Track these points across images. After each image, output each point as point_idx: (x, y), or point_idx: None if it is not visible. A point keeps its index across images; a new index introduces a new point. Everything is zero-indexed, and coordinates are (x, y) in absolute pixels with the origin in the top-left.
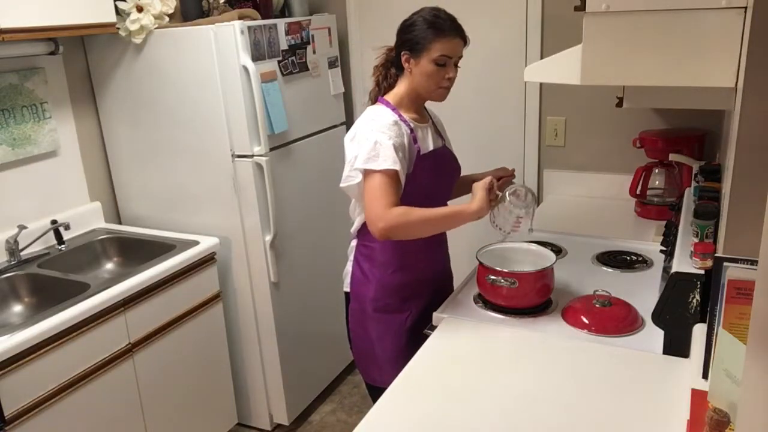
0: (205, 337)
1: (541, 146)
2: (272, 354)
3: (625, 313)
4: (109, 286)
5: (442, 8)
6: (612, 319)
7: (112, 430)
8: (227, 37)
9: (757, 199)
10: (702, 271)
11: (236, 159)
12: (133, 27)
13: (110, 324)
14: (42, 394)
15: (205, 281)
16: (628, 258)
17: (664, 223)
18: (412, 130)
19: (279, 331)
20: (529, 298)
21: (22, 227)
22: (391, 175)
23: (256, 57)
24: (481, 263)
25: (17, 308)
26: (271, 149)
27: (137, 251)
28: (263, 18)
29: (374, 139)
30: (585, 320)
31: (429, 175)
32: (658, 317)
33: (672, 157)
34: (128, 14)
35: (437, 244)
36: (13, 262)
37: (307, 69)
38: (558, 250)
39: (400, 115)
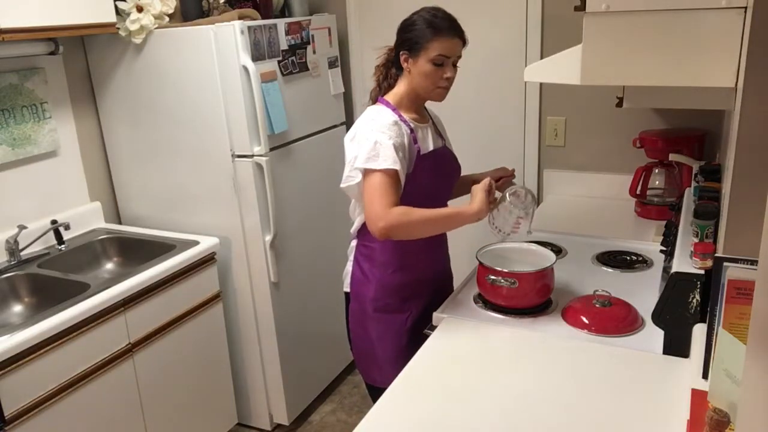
0: (205, 337)
1: (541, 146)
2: (272, 354)
3: (625, 313)
4: (109, 286)
5: (442, 8)
6: (612, 319)
7: (112, 430)
8: (227, 37)
9: (757, 199)
10: (702, 271)
11: (236, 159)
12: (133, 27)
13: (110, 324)
14: (42, 394)
15: (205, 281)
16: (628, 258)
17: (664, 223)
18: (412, 130)
19: (279, 331)
20: (529, 298)
21: (22, 227)
22: (391, 174)
23: (256, 57)
24: (481, 263)
25: (17, 308)
26: (271, 149)
27: (137, 251)
28: (263, 18)
29: (374, 139)
30: (585, 320)
31: (429, 175)
32: (658, 317)
33: (672, 157)
34: (128, 14)
35: (437, 245)
36: (13, 262)
37: (307, 69)
38: (558, 250)
39: (400, 115)
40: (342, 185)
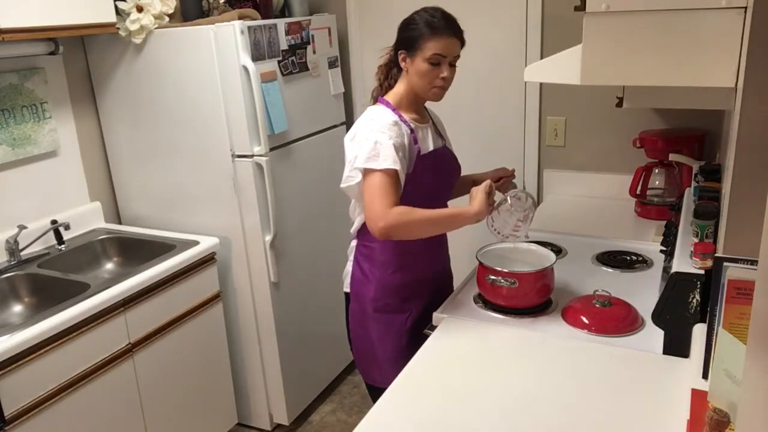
0: (205, 337)
1: (541, 146)
2: (272, 354)
3: (625, 313)
4: (109, 286)
5: (442, 8)
6: (612, 319)
7: (112, 430)
8: (227, 37)
9: (757, 199)
10: (702, 271)
11: (236, 159)
12: (133, 27)
13: (110, 324)
14: (42, 394)
15: (205, 281)
16: (628, 258)
17: (664, 223)
18: (412, 131)
19: (279, 331)
20: (529, 298)
21: (22, 227)
22: (392, 174)
23: (256, 57)
24: (481, 263)
25: (17, 308)
26: (271, 149)
27: (137, 251)
28: (263, 18)
29: (374, 139)
30: (585, 320)
31: (429, 175)
32: (658, 317)
33: (672, 157)
34: (128, 14)
35: (437, 245)
36: (13, 262)
37: (307, 69)
38: (558, 250)
39: (400, 116)
40: (342, 185)
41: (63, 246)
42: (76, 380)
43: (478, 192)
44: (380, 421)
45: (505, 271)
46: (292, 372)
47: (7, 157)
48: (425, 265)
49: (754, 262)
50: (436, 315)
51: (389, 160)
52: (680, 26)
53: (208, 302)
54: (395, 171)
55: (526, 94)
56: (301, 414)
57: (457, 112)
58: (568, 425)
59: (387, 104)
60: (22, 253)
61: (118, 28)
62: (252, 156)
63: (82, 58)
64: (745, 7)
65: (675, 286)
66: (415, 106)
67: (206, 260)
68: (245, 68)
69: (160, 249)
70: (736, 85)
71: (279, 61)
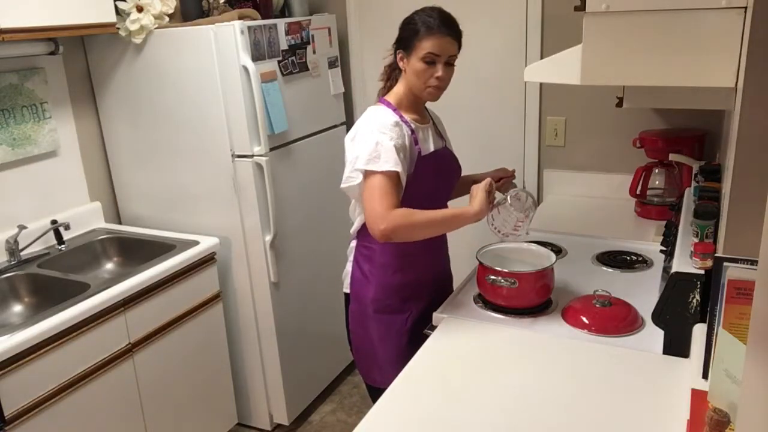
0: (205, 337)
1: (541, 146)
2: (272, 354)
3: (625, 313)
4: (109, 286)
5: (441, 8)
6: (612, 319)
7: (112, 430)
8: (227, 37)
9: (757, 199)
10: (702, 271)
11: (236, 159)
12: (133, 27)
13: (110, 324)
14: (42, 394)
15: (205, 281)
16: (628, 258)
17: (664, 223)
18: (413, 131)
19: (279, 331)
20: (529, 298)
21: (22, 227)
22: (392, 176)
23: (256, 57)
24: (481, 263)
25: (17, 308)
26: (271, 149)
27: (137, 251)
28: (263, 18)
29: (375, 140)
30: (585, 320)
31: (430, 176)
32: (658, 317)
33: (672, 157)
34: (128, 14)
35: (437, 246)
36: (13, 262)
37: (307, 69)
38: (558, 250)
39: (401, 116)
40: (342, 186)
41: (63, 246)
42: (76, 380)
43: (478, 191)
44: (380, 421)
45: (505, 271)
46: (292, 372)
47: (7, 157)
48: (425, 266)
49: (754, 262)
50: (436, 315)
51: (390, 161)
52: (680, 26)
53: (208, 302)
54: (396, 173)
55: (526, 94)
56: (301, 414)
57: (457, 113)
58: (568, 425)
59: (388, 104)
60: (22, 253)
61: (118, 28)
62: (252, 156)
63: (82, 58)
64: (745, 7)
65: (675, 286)
66: (416, 106)
67: (206, 260)
68: (245, 68)
69: (160, 249)
70: (736, 85)
71: (279, 61)
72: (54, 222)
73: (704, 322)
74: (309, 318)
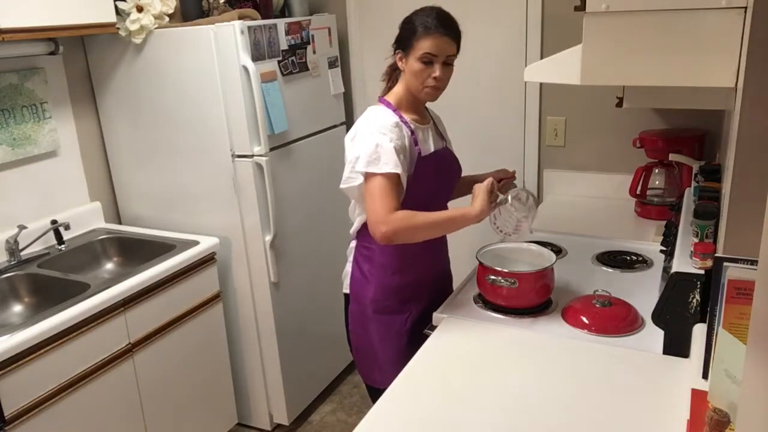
0: (205, 337)
1: (541, 146)
2: (272, 354)
3: (625, 313)
4: (109, 286)
5: (440, 8)
6: (612, 319)
7: (112, 430)
8: (227, 37)
9: (757, 199)
10: (702, 271)
11: (236, 159)
12: (133, 27)
13: (110, 324)
14: (42, 394)
15: (205, 281)
16: (628, 258)
17: (664, 223)
18: (412, 132)
19: (279, 331)
20: (529, 298)
21: (22, 227)
22: (393, 178)
23: (256, 57)
24: (481, 263)
25: (17, 308)
26: (271, 149)
27: (137, 251)
28: (263, 18)
29: (375, 142)
30: (585, 320)
31: (430, 176)
32: (658, 317)
33: (672, 157)
34: (128, 14)
35: (437, 246)
36: (13, 262)
37: (307, 69)
38: (558, 250)
39: (400, 116)
40: (342, 186)
41: (63, 246)
42: (76, 380)
43: (480, 191)
44: (380, 421)
45: (505, 271)
46: (292, 372)
47: (7, 157)
48: (425, 267)
49: (754, 262)
50: (436, 315)
51: (390, 163)
52: (680, 26)
53: (208, 302)
54: (396, 175)
55: (526, 94)
56: (301, 414)
57: (457, 113)
58: (568, 425)
59: (388, 104)
60: (22, 253)
61: (118, 28)
62: (252, 156)
63: (82, 58)
64: (745, 7)
65: (675, 286)
66: (415, 106)
67: (206, 260)
68: (245, 68)
69: (160, 249)
70: (736, 85)
71: (279, 61)
72: (54, 222)
73: (704, 322)
74: (309, 318)
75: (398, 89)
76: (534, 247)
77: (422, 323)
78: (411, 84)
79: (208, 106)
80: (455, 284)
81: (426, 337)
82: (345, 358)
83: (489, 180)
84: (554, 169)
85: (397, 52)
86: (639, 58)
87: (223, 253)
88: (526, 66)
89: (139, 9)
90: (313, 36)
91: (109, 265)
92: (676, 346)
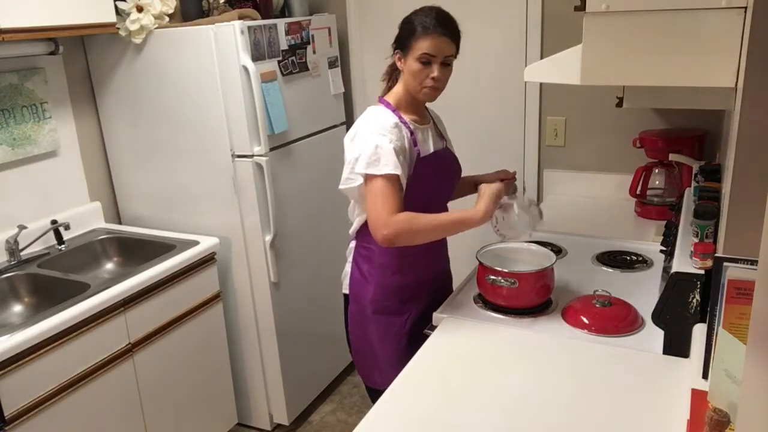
0: (205, 337)
1: (541, 146)
2: (272, 354)
3: (625, 313)
4: (109, 286)
5: (439, 8)
6: (612, 319)
7: (112, 430)
8: (227, 37)
9: (757, 199)
10: (702, 271)
11: (236, 159)
12: (133, 27)
13: (110, 324)
14: (42, 394)
15: (205, 281)
16: (628, 258)
17: (664, 223)
18: (412, 133)
19: (279, 331)
20: (529, 298)
21: (22, 227)
22: (393, 179)
23: (256, 57)
24: (481, 263)
25: (17, 308)
26: (271, 149)
27: (137, 251)
28: (263, 18)
29: (375, 143)
30: (585, 320)
31: (430, 177)
32: (658, 317)
33: (672, 157)
34: (128, 14)
35: (437, 247)
36: (13, 262)
37: (307, 69)
38: (558, 250)
39: (400, 117)
40: (341, 187)
41: (63, 246)
42: (76, 380)
43: (486, 194)
44: (380, 421)
45: (505, 271)
46: (292, 372)
47: (7, 157)
48: (425, 267)
49: (754, 262)
50: (436, 315)
51: (390, 164)
52: (680, 26)
53: (208, 302)
54: (396, 176)
55: (526, 94)
56: (301, 414)
57: (457, 113)
58: (568, 425)
59: (387, 105)
60: (22, 253)
61: (118, 28)
62: (252, 156)
63: (82, 58)
64: (745, 7)
65: (675, 286)
66: (415, 106)
67: (206, 260)
68: (245, 68)
69: (160, 249)
70: (736, 85)
71: (279, 61)
72: (54, 222)
73: (704, 322)
74: (309, 318)
75: (398, 89)
76: (534, 247)
77: (422, 323)
78: (409, 84)
79: (208, 106)
80: (455, 284)
81: (426, 337)
82: (345, 358)
83: (499, 185)
84: (554, 169)
85: (396, 52)
86: (639, 58)
87: (223, 253)
88: (526, 66)
89: (139, 9)
90: (313, 36)
91: (109, 265)
92: (676, 346)
